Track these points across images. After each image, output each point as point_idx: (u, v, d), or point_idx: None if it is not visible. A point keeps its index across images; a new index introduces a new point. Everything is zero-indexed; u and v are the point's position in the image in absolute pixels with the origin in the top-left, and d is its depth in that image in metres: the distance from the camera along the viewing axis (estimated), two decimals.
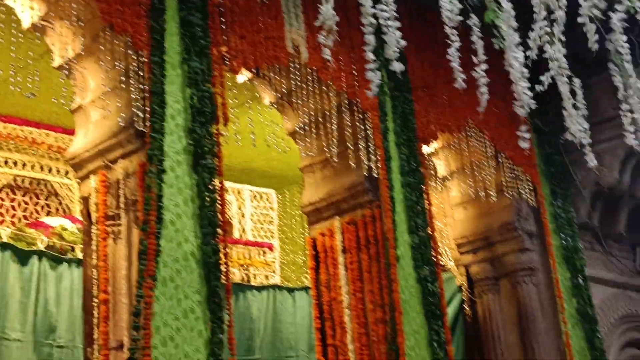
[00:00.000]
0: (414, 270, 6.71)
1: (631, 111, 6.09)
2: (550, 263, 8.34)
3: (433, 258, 6.92)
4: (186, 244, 5.12)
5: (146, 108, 5.18)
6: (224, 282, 5.18)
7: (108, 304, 5.15)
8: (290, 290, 8.43)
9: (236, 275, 8.26)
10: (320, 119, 6.84)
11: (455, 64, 4.50)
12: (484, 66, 4.77)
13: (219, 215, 5.30)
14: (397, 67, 4.03)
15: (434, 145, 8.13)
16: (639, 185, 9.10)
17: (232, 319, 5.26)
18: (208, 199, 5.27)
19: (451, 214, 8.91)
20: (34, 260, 6.59)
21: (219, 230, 5.26)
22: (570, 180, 8.95)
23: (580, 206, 9.04)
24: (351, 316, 6.55)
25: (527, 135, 5.15)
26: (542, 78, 5.23)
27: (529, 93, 4.98)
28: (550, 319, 8.22)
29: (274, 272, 9.03)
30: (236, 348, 7.42)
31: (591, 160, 6.82)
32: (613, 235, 9.64)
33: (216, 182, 5.35)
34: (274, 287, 8.41)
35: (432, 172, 8.51)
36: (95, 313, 5.20)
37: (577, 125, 6.30)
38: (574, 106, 6.32)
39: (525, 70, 4.96)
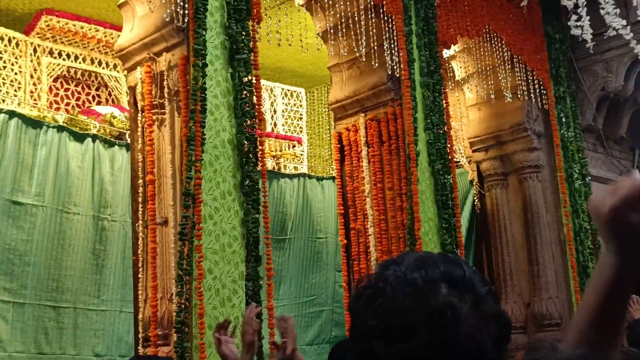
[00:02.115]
0: (430, 165, 6.68)
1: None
2: (556, 161, 8.27)
3: (447, 154, 6.87)
4: (224, 132, 5.10)
5: (186, 5, 5.07)
6: (258, 168, 5.19)
7: (154, 184, 5.20)
8: (319, 179, 8.47)
9: (268, 164, 8.28)
10: (348, 21, 6.68)
11: None
12: None
13: (255, 107, 5.26)
14: None
15: (453, 49, 7.96)
16: None
17: (267, 201, 5.29)
18: (244, 91, 5.21)
19: (466, 114, 8.82)
20: (89, 141, 6.63)
21: (254, 121, 5.23)
22: (578, 85, 8.79)
23: (586, 110, 8.91)
24: (372, 204, 6.58)
25: (577, 24, 4.97)
26: None
27: None
28: (552, 213, 8.23)
29: (302, 163, 9.05)
30: (270, 228, 7.59)
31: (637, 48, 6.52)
32: (615, 138, 9.53)
33: (251, 76, 5.29)
34: (304, 175, 8.45)
35: (451, 74, 8.38)
36: (141, 192, 5.26)
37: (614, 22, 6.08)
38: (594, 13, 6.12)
39: None
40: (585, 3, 6.36)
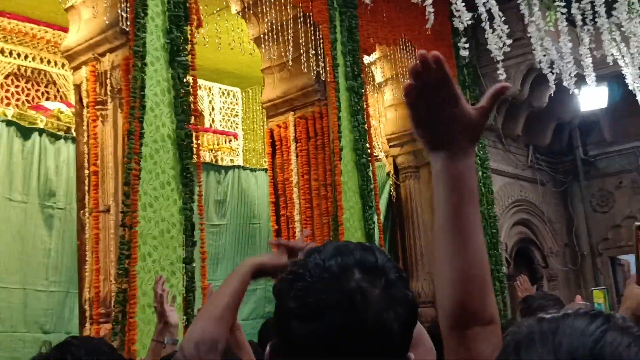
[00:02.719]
0: (352, 158, 6.68)
1: (538, 30, 6.02)
2: None
3: (368, 149, 6.89)
4: (163, 127, 4.97)
5: (128, 10, 4.91)
6: (194, 161, 5.08)
7: (97, 175, 5.04)
8: (252, 170, 8.36)
9: (206, 157, 8.14)
10: (279, 28, 6.60)
11: None
12: None
13: (192, 105, 5.15)
14: None
15: (373, 55, 7.96)
16: (535, 96, 9.12)
17: (202, 191, 5.18)
18: (183, 90, 5.09)
19: (384, 113, 8.86)
20: (35, 135, 6.35)
21: (191, 117, 5.12)
22: (481, 89, 8.94)
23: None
24: (299, 193, 6.55)
25: (466, 46, 5.08)
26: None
27: (465, 11, 4.90)
28: None
29: (237, 156, 8.93)
30: (208, 215, 7.44)
31: (501, 74, 6.80)
32: (512, 136, 9.74)
33: (189, 77, 5.16)
34: (239, 167, 8.33)
35: (371, 78, 8.41)
36: (86, 182, 5.09)
37: (494, 44, 6.23)
38: (492, 27, 6.23)
39: None
40: (484, 19, 6.43)
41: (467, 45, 5.17)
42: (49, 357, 1.88)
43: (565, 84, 7.57)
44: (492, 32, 6.64)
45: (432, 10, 5.48)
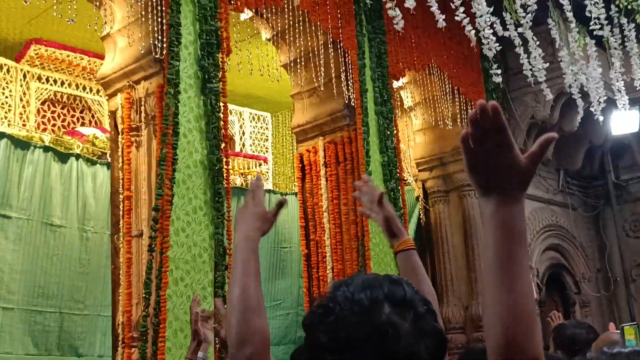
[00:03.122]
0: (382, 183, 6.68)
1: (570, 54, 6.00)
2: None
3: (397, 173, 6.89)
4: (196, 153, 5.04)
5: (164, 38, 5.01)
6: (225, 185, 5.13)
7: (131, 199, 5.10)
8: (282, 195, 8.39)
9: (237, 181, 8.19)
10: (309, 55, 6.67)
11: (434, 9, 4.35)
12: (460, 13, 4.64)
13: (223, 131, 5.21)
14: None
15: (402, 80, 7.99)
16: (566, 120, 9.06)
17: (231, 215, 5.22)
18: (214, 117, 5.16)
19: (413, 138, 8.87)
20: (72, 160, 6.48)
21: (222, 144, 5.18)
22: (510, 114, 8.91)
23: (518, 135, 9.01)
24: (329, 218, 6.55)
25: (498, 72, 5.08)
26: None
27: (493, 39, 4.90)
28: None
29: (267, 180, 8.98)
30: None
31: (548, 94, 6.73)
32: (543, 160, 9.61)
33: (220, 103, 5.24)
34: (269, 191, 8.37)
35: (400, 103, 8.43)
36: (120, 207, 5.16)
37: (535, 65, 6.19)
38: (527, 51, 6.21)
39: (489, 20, 4.85)
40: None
41: (499, 72, 5.16)
42: None
43: (592, 109, 7.51)
44: (527, 56, 6.63)
45: (471, 29, 5.44)
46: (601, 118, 7.50)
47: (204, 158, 5.06)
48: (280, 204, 1.72)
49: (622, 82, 7.60)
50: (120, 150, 5.26)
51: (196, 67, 5.16)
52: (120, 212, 5.14)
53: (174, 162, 4.78)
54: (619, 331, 2.76)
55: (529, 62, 6.23)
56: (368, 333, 1.00)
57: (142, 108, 5.15)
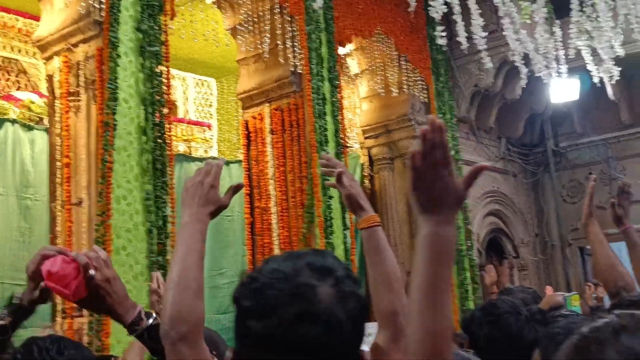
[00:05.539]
0: (324, 150, 6.65)
1: (512, 23, 6.03)
2: None
3: (341, 140, 6.88)
4: (137, 119, 4.90)
5: (102, 0, 4.82)
6: (167, 152, 5.02)
7: (70, 167, 4.95)
8: (227, 163, 8.29)
9: (180, 148, 8.04)
10: (255, 19, 6.55)
11: None
12: None
13: (165, 96, 5.08)
14: None
15: (349, 47, 7.94)
16: (508, 88, 9.19)
17: (174, 183, 5.13)
18: (155, 81, 5.02)
19: (360, 105, 8.86)
20: (8, 125, 6.22)
21: (164, 109, 5.05)
22: (454, 81, 8.99)
23: (461, 103, 9.13)
24: (275, 185, 6.51)
25: (443, 34, 5.09)
26: None
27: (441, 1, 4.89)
28: None
29: (211, 147, 8.85)
30: (178, 206, 7.36)
31: (487, 62, 6.78)
32: (485, 128, 9.81)
33: (162, 68, 5.09)
34: (213, 158, 8.24)
35: (346, 70, 8.39)
36: (59, 174, 5.00)
37: (466, 35, 6.24)
38: (469, 19, 6.23)
39: None
40: (459, 10, 6.43)
41: (444, 34, 5.17)
42: (15, 352, 1.85)
43: (540, 74, 7.62)
44: (468, 25, 6.65)
45: None
46: (550, 83, 7.63)
47: (145, 124, 4.93)
48: (236, 189, 1.67)
49: (562, 50, 7.72)
50: (58, 116, 5.08)
51: (137, 30, 4.99)
52: (59, 180, 4.99)
53: (114, 128, 4.64)
54: (563, 293, 2.89)
55: (469, 30, 6.25)
56: (288, 296, 1.05)
57: (81, 72, 4.99)
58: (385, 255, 1.67)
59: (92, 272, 1.52)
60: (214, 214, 1.60)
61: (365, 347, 1.12)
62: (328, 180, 1.81)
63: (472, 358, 1.45)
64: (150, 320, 1.57)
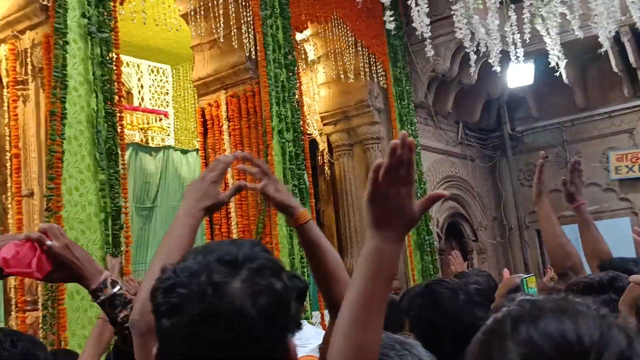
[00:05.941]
0: (284, 137, 6.62)
1: (465, 7, 6.05)
2: (393, 133, 8.47)
3: (300, 127, 6.85)
4: (87, 108, 4.79)
5: None
6: (119, 141, 4.92)
7: (19, 158, 4.82)
8: (184, 152, 8.19)
9: (136, 137, 7.91)
10: (208, 4, 6.45)
11: None
12: None
13: (116, 84, 4.97)
14: None
15: (305, 33, 7.89)
16: (464, 73, 9.26)
17: (127, 173, 5.04)
18: (106, 68, 4.90)
19: (318, 91, 8.83)
20: None
21: (116, 97, 4.95)
22: (412, 67, 9.02)
23: (419, 88, 9.17)
24: (232, 173, 6.45)
25: (392, 19, 5.09)
26: None
27: None
28: None
29: (168, 135, 8.73)
30: (136, 197, 7.25)
31: (429, 51, 6.85)
32: (443, 113, 9.87)
33: (113, 54, 4.98)
34: (169, 147, 8.14)
35: (304, 56, 8.34)
36: (8, 165, 4.87)
37: (421, 21, 6.26)
38: (417, 4, 6.25)
39: None
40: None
41: (392, 19, 5.16)
42: None
43: (490, 60, 7.68)
44: (417, 10, 6.65)
45: None
46: (499, 69, 7.69)
47: (96, 113, 4.82)
48: (238, 188, 1.66)
49: (518, 35, 7.79)
50: (5, 105, 4.94)
51: (86, 15, 4.87)
52: (8, 171, 4.86)
53: (63, 117, 4.53)
54: (521, 274, 2.91)
55: (419, 16, 6.26)
56: (194, 295, 1.05)
57: (29, 60, 4.85)
58: (326, 245, 1.65)
59: (49, 242, 1.53)
60: (209, 209, 1.60)
61: (302, 352, 1.09)
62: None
63: (410, 341, 1.44)
64: (115, 290, 1.56)
